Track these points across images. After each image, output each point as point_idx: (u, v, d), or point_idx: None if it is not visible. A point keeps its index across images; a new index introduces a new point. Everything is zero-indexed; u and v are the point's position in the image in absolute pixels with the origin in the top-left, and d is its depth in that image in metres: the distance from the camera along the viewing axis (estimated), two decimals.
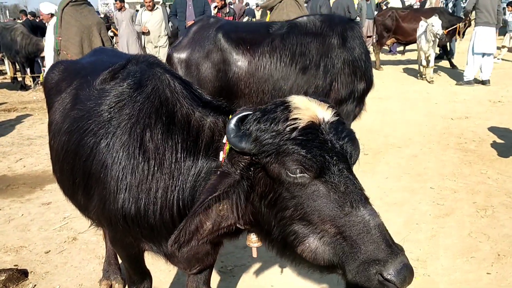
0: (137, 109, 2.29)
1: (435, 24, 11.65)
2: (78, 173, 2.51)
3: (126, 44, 11.94)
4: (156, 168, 2.16)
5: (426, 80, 12.49)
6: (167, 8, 13.20)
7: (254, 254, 2.08)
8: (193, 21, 9.59)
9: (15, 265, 4.21)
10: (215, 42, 5.02)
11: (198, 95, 2.36)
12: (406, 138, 7.63)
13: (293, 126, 1.77)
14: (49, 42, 8.93)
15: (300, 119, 1.78)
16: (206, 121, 2.18)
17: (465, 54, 12.61)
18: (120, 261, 3.81)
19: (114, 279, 3.80)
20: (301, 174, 1.75)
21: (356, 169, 5.97)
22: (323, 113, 1.82)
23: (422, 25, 12.29)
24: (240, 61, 4.95)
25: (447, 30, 12.93)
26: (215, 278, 3.85)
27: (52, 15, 9.86)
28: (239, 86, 4.99)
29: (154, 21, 11.62)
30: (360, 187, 1.80)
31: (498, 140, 7.21)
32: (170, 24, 12.01)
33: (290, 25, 5.17)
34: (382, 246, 1.69)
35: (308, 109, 1.82)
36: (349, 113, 5.20)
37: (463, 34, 13.70)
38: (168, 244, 1.91)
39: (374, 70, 5.50)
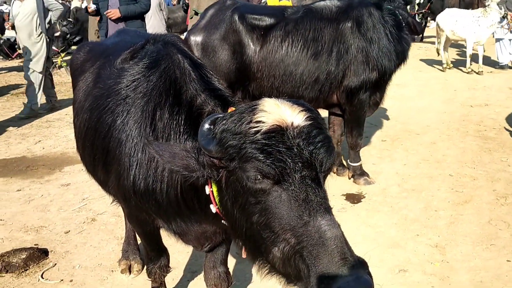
0: (150, 88, 2.34)
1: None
2: (97, 149, 2.58)
3: None
4: None
5: (474, 71, 11.65)
6: None
7: (244, 255, 2.01)
8: (117, 10, 7.15)
9: (35, 244, 4.28)
10: (231, 23, 4.98)
11: (206, 79, 2.34)
12: (425, 125, 7.54)
13: (255, 129, 1.69)
14: None
15: (264, 122, 1.69)
16: (206, 108, 2.18)
17: None
18: (139, 241, 3.85)
19: (133, 259, 3.84)
20: (260, 180, 1.68)
21: (374, 155, 5.90)
22: (292, 117, 1.72)
23: (465, 15, 11.57)
24: (253, 44, 4.90)
25: None
26: (232, 260, 3.87)
27: None
28: (252, 69, 4.95)
29: (23, 15, 8.62)
30: (322, 195, 1.69)
31: None
32: (48, 18, 9.18)
33: (306, 10, 5.09)
34: (336, 259, 1.57)
35: (275, 112, 1.72)
36: (362, 103, 5.10)
37: None
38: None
39: None
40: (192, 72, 2.32)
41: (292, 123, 1.70)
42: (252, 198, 1.73)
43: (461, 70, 11.93)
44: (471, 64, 11.68)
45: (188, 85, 2.26)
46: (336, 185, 5.36)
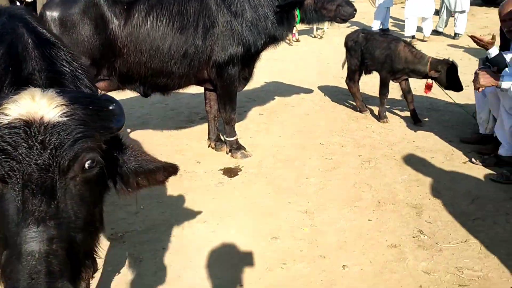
0: None
1: None
2: None
3: None
4: None
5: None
6: None
7: None
8: None
9: None
10: None
11: (49, 58, 2.14)
12: (300, 97, 7.82)
13: None
14: None
15: (7, 115, 1.52)
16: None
17: None
18: None
19: None
20: None
21: (251, 129, 5.91)
22: (45, 111, 1.54)
23: None
24: (116, 19, 4.65)
25: None
26: (105, 244, 3.73)
27: None
28: (117, 45, 4.71)
29: None
30: (37, 203, 1.48)
31: None
32: None
33: None
34: (18, 276, 1.39)
35: (25, 105, 1.54)
36: (231, 78, 5.10)
37: None
38: None
39: None
40: (35, 49, 2.13)
41: (41, 118, 1.53)
42: None
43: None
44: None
45: (28, 63, 2.07)
46: (214, 160, 5.39)
